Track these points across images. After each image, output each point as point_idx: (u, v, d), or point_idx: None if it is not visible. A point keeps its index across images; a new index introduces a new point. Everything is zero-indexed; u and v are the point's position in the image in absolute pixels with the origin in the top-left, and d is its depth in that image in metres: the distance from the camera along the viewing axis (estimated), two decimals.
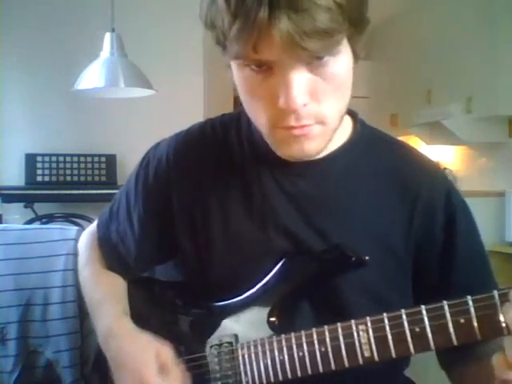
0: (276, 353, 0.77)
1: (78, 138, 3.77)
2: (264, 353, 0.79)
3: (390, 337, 0.69)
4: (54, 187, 3.59)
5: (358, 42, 0.73)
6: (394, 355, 0.69)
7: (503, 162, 3.52)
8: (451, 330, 0.66)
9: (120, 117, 3.79)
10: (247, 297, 0.83)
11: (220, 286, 0.86)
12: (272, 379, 0.78)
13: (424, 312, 0.67)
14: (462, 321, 0.65)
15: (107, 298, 0.94)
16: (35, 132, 3.74)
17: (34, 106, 3.72)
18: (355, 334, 0.72)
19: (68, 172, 3.71)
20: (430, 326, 0.67)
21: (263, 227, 0.84)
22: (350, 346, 0.72)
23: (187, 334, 0.88)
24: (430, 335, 0.67)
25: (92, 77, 2.65)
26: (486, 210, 3.15)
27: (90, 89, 2.71)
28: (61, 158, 3.69)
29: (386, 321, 0.69)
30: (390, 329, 0.69)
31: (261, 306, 0.82)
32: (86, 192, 3.60)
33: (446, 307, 0.66)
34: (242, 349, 0.81)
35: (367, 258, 0.78)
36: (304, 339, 0.75)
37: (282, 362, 0.77)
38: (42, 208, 3.46)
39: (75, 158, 3.72)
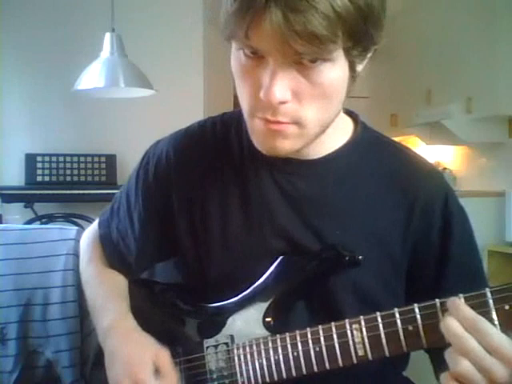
0: (271, 353, 0.78)
1: (78, 137, 3.77)
2: (259, 353, 0.79)
3: (383, 335, 0.70)
4: (54, 187, 3.60)
5: (359, 58, 0.71)
6: (387, 353, 0.70)
7: (503, 162, 3.52)
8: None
9: (120, 117, 3.79)
10: (243, 297, 0.84)
11: (218, 286, 0.86)
12: (267, 379, 0.78)
13: (417, 310, 0.68)
14: None
15: (112, 294, 0.94)
16: (35, 132, 3.74)
17: (33, 106, 3.73)
18: (349, 333, 0.72)
19: (68, 172, 3.71)
20: (423, 325, 0.67)
21: (260, 227, 0.84)
22: (344, 345, 0.73)
23: (185, 335, 0.88)
24: (422, 333, 0.68)
25: (92, 77, 2.65)
26: (485, 210, 3.15)
27: (89, 89, 2.71)
28: (61, 158, 3.69)
29: (380, 319, 0.70)
30: (383, 327, 0.70)
31: (256, 307, 0.82)
32: (85, 192, 3.61)
33: (438, 305, 0.67)
34: (238, 349, 0.81)
35: (361, 257, 0.79)
36: (299, 339, 0.76)
37: (277, 362, 0.77)
38: (42, 208, 3.46)
39: (75, 158, 3.73)
